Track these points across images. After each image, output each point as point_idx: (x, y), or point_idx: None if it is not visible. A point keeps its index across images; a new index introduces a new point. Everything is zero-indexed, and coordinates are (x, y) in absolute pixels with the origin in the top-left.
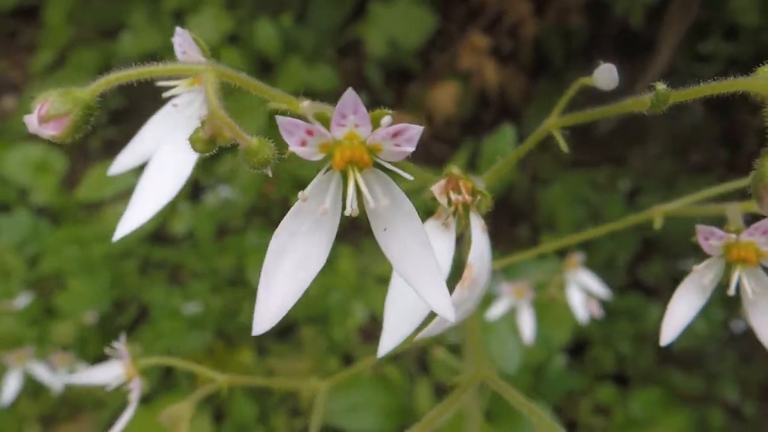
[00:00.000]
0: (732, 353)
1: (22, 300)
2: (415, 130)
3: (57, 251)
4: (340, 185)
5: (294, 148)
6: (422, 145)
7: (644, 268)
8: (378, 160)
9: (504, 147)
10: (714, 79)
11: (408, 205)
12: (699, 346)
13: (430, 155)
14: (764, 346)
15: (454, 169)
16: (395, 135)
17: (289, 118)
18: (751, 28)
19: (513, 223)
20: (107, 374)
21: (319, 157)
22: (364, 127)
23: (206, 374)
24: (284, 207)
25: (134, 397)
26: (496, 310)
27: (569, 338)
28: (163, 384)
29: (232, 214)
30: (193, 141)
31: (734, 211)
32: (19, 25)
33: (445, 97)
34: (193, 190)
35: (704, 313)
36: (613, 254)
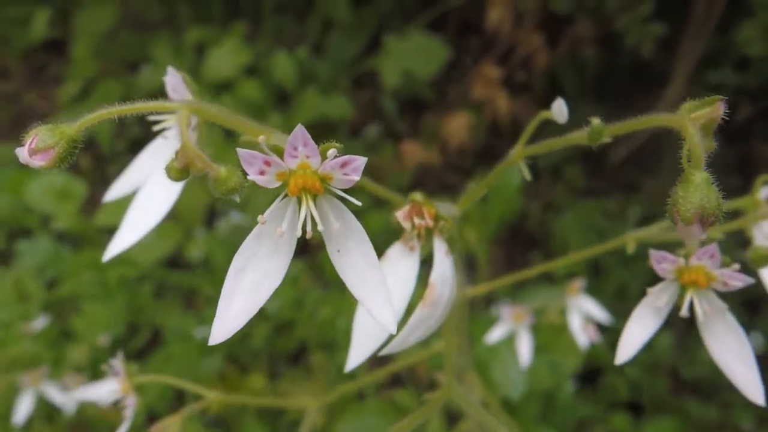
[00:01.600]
0: None
1: (40, 322)
2: (360, 161)
3: (75, 275)
4: (296, 211)
5: (253, 177)
6: (436, 174)
7: None
8: (330, 188)
9: (511, 177)
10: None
11: (358, 228)
12: (714, 374)
13: (443, 184)
14: (718, 365)
15: (417, 196)
16: (343, 165)
17: (248, 151)
18: (759, 58)
19: (526, 251)
20: (107, 390)
21: (276, 184)
22: (314, 158)
23: (202, 392)
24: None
25: (128, 413)
26: (494, 335)
27: (581, 365)
28: (174, 409)
29: (243, 239)
30: (168, 170)
31: (689, 235)
32: (47, 58)
33: (458, 126)
34: (210, 216)
35: None
36: (625, 282)
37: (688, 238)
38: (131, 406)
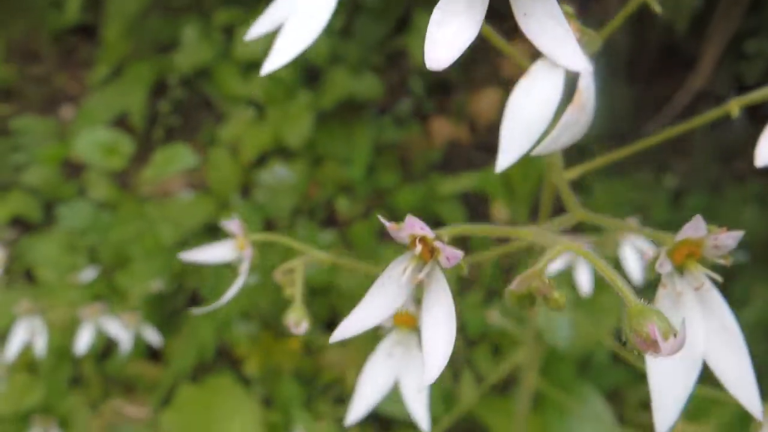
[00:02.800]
0: None
1: (88, 274)
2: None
3: (118, 241)
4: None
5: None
6: (464, 153)
7: None
8: None
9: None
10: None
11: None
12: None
13: (471, 164)
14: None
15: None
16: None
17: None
18: None
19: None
20: (223, 249)
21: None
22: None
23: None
24: (327, 208)
25: (245, 266)
26: (553, 267)
27: (615, 326)
28: (212, 368)
29: (278, 213)
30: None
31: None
32: (78, 42)
33: (488, 103)
34: (244, 188)
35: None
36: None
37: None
38: (248, 258)
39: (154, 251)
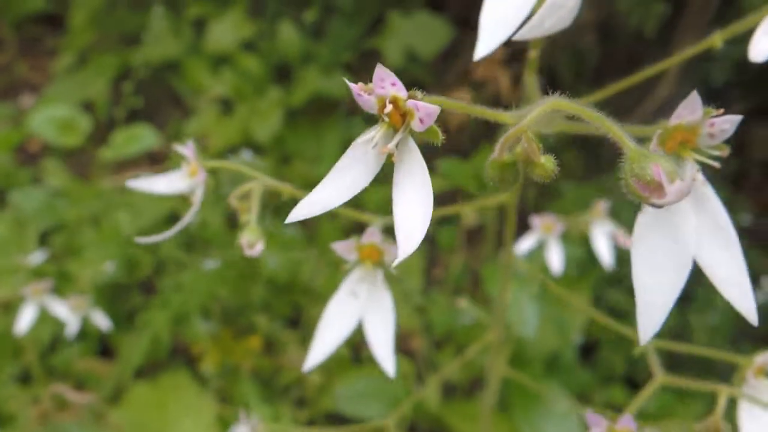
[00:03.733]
0: (746, 343)
1: (37, 257)
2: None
3: (72, 224)
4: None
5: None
6: (434, 155)
7: None
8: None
9: None
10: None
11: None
12: (709, 350)
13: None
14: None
15: None
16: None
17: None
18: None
19: (517, 234)
20: (169, 181)
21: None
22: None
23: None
24: (294, 206)
25: (198, 194)
26: (524, 245)
27: (584, 324)
28: (166, 365)
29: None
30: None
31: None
32: (42, 31)
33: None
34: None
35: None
36: (624, 250)
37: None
38: (201, 184)
39: (109, 238)
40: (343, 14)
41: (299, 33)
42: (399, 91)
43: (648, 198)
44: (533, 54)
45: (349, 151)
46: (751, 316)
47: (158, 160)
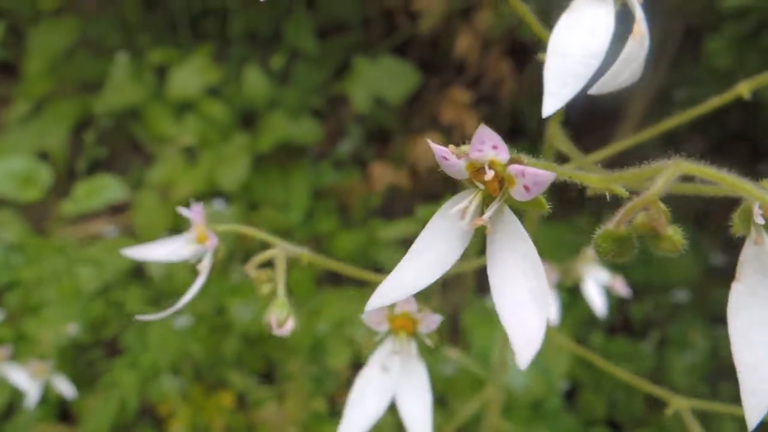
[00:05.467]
0: (728, 387)
1: None
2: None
3: (29, 283)
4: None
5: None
6: (404, 199)
7: (635, 304)
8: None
9: None
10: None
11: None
12: (690, 388)
13: (411, 210)
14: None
15: None
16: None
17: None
18: (725, 71)
19: None
20: (174, 247)
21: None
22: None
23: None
24: (264, 249)
25: (206, 262)
26: None
27: (568, 369)
28: (133, 428)
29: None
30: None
31: None
32: None
33: (427, 150)
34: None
35: (693, 360)
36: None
37: None
38: (211, 250)
39: (71, 296)
40: (308, 59)
41: (265, 78)
42: (500, 154)
43: None
44: (549, 144)
45: (432, 225)
46: None
47: (120, 210)
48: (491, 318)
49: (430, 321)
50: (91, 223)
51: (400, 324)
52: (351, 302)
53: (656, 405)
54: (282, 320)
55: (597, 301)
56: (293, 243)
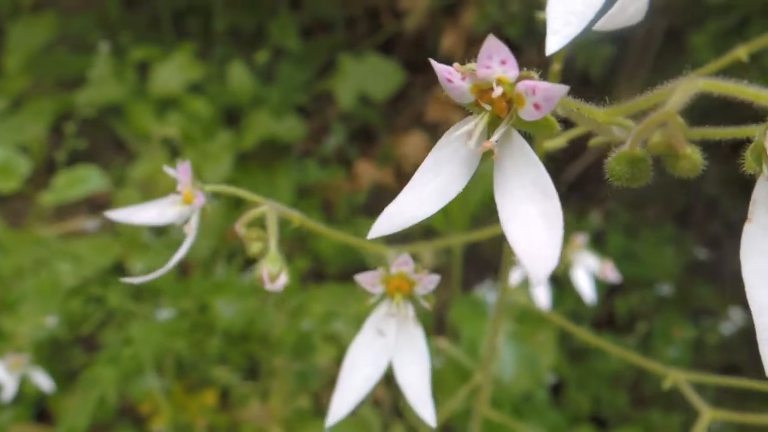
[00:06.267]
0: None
1: None
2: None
3: (6, 277)
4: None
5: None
6: (390, 197)
7: (620, 299)
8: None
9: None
10: None
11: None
12: (674, 389)
13: None
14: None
15: None
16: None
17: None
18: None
19: (480, 276)
20: (159, 210)
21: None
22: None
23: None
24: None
25: (194, 222)
26: (513, 279)
27: (554, 362)
28: (112, 428)
29: (194, 253)
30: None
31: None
32: None
33: (412, 148)
34: (157, 230)
35: (677, 353)
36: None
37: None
38: (197, 209)
39: (49, 291)
40: (293, 57)
41: (249, 75)
42: (509, 71)
43: None
44: (556, 66)
45: (435, 151)
46: None
47: (100, 207)
48: (479, 311)
49: (428, 281)
50: (71, 218)
51: (396, 285)
52: (335, 299)
53: (641, 401)
54: (274, 274)
55: (586, 288)
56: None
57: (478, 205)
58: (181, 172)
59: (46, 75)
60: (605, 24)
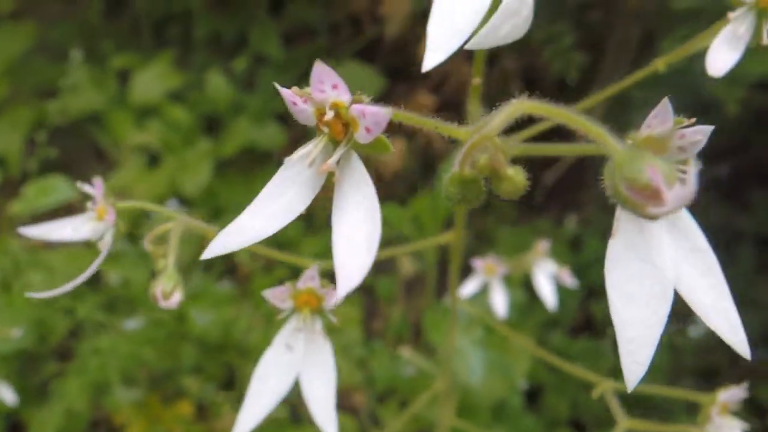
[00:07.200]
0: (687, 384)
1: None
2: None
3: None
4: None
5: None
6: None
7: (596, 304)
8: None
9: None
10: None
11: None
12: (653, 390)
13: None
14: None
15: None
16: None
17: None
18: (676, 71)
19: (462, 278)
20: (73, 227)
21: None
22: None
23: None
24: (226, 260)
25: (107, 239)
26: (467, 289)
27: (529, 369)
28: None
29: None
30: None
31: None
32: None
33: (393, 153)
34: (132, 238)
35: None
36: (563, 292)
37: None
38: (110, 225)
39: (20, 302)
40: (274, 64)
41: (229, 83)
42: (342, 95)
43: (643, 207)
44: (476, 81)
45: (281, 172)
46: (743, 348)
47: (75, 215)
48: (450, 318)
49: (334, 297)
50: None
51: (304, 300)
52: None
53: (623, 404)
54: (167, 292)
55: (548, 294)
56: (258, 249)
57: (447, 213)
58: (96, 188)
59: (24, 83)
60: (480, 43)
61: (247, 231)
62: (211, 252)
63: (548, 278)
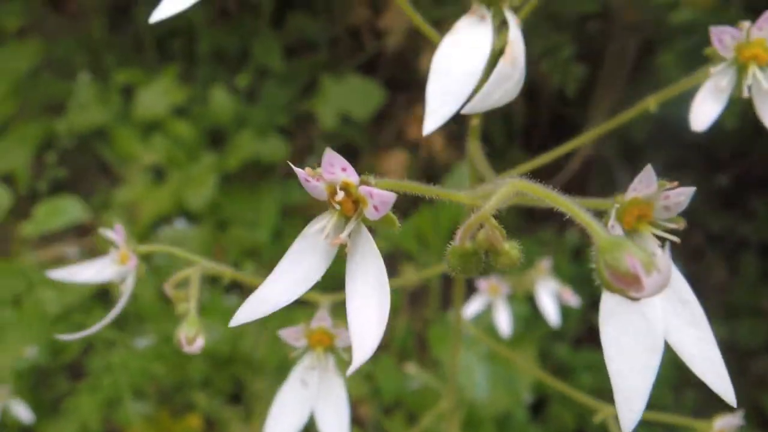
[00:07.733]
0: (692, 396)
1: None
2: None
3: None
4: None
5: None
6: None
7: (598, 314)
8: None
9: (460, 183)
10: None
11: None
12: (657, 401)
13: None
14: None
15: None
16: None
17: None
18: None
19: (469, 287)
20: (96, 269)
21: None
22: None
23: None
24: (234, 268)
25: (129, 282)
26: (471, 308)
27: (534, 381)
28: None
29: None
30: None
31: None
32: None
33: (395, 164)
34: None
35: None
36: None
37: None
38: (132, 270)
39: (32, 319)
40: (276, 78)
41: (232, 97)
42: (350, 176)
43: (624, 291)
44: (475, 122)
45: (298, 242)
46: (729, 396)
47: (86, 233)
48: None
49: (346, 336)
50: (55, 245)
51: (317, 339)
52: None
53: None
54: (191, 338)
55: (550, 310)
56: (261, 263)
57: (449, 230)
58: (117, 233)
59: (30, 100)
60: (473, 108)
61: (269, 301)
62: (236, 321)
63: (551, 296)
